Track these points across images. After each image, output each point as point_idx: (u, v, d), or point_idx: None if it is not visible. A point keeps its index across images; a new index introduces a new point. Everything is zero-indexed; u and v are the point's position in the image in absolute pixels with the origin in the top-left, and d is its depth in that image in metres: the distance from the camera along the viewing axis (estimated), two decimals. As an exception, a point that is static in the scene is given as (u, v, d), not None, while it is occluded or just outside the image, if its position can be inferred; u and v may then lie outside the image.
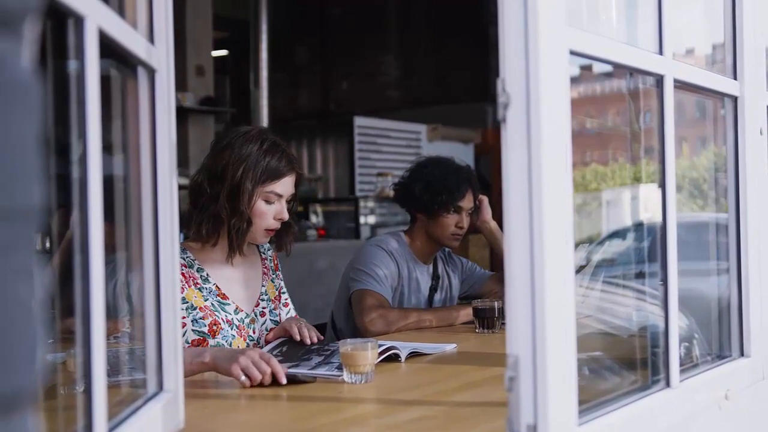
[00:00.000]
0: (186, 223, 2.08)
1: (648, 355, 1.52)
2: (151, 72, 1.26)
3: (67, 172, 0.93)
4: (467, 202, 2.79)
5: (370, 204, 6.94)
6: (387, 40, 9.09)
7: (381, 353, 1.93)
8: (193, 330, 2.03)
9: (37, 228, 0.57)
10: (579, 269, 1.65)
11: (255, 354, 1.77)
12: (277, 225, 2.13)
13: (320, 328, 2.87)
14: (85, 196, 0.92)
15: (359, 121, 7.33)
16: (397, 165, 6.72)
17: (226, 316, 2.09)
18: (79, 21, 0.91)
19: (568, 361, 1.10)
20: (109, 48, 1.04)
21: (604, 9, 1.67)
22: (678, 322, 1.42)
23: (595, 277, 1.88)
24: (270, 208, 2.10)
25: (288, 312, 2.31)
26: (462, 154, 6.37)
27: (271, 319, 2.21)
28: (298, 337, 2.04)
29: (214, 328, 2.06)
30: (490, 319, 2.50)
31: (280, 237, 2.21)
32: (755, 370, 1.70)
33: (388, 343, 2.05)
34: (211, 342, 2.05)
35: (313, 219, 6.81)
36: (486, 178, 6.72)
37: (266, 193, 2.08)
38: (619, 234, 2.28)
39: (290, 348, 2.04)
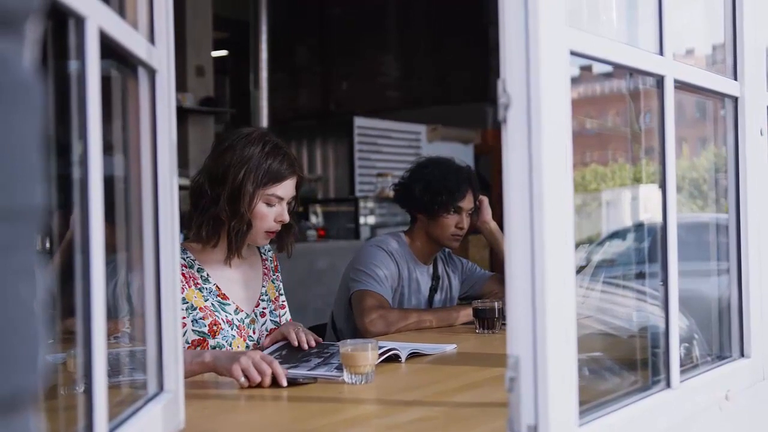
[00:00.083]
0: (186, 223, 2.08)
1: (648, 355, 1.52)
2: (152, 72, 1.26)
3: (68, 172, 0.93)
4: (467, 203, 2.79)
5: (370, 204, 6.95)
6: (387, 40, 9.10)
7: (381, 355, 1.93)
8: (193, 330, 2.03)
9: (39, 228, 0.57)
10: (579, 270, 1.65)
11: (256, 355, 1.77)
12: (277, 227, 2.13)
13: (320, 328, 2.87)
14: (85, 197, 0.92)
15: (359, 121, 7.33)
16: (397, 165, 6.72)
17: (226, 316, 2.09)
18: (80, 21, 0.91)
19: (568, 361, 1.10)
20: (110, 48, 1.04)
21: (605, 9, 1.67)
22: (678, 323, 1.42)
23: (596, 277, 1.88)
24: (271, 211, 2.10)
25: (284, 314, 2.30)
26: (462, 154, 6.37)
27: (271, 320, 2.21)
28: (295, 343, 2.04)
29: (214, 328, 2.06)
30: (491, 320, 2.50)
31: (281, 238, 2.21)
32: (755, 370, 1.70)
33: (389, 345, 2.05)
34: (211, 342, 2.05)
35: (313, 219, 6.81)
36: (486, 178, 6.72)
37: (267, 196, 2.08)
38: (619, 234, 2.28)
39: (289, 352, 2.04)
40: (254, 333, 2.16)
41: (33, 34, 0.58)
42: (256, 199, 2.07)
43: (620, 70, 1.50)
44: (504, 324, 2.44)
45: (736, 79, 1.70)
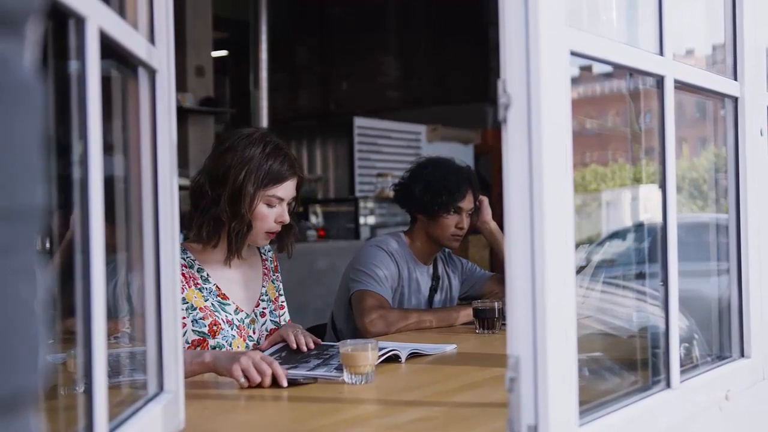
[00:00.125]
0: (186, 224, 2.08)
1: (648, 355, 1.52)
2: (152, 72, 1.26)
3: (68, 172, 0.93)
4: (467, 203, 2.79)
5: (370, 204, 6.94)
6: (387, 41, 9.10)
7: (380, 356, 1.93)
8: (193, 330, 2.03)
9: (39, 228, 0.57)
10: (579, 270, 1.65)
11: (256, 355, 1.77)
12: (277, 228, 2.13)
13: (320, 328, 2.87)
14: (85, 197, 0.92)
15: (359, 121, 7.33)
16: (397, 165, 6.72)
17: (226, 316, 2.09)
18: (80, 22, 0.91)
19: (568, 361, 1.11)
20: (110, 48, 1.04)
21: (605, 9, 1.67)
22: (678, 323, 1.42)
23: (596, 277, 1.88)
24: (271, 212, 2.10)
25: (283, 314, 2.30)
26: (462, 154, 6.37)
27: (271, 320, 2.21)
28: (294, 346, 2.04)
29: (214, 328, 2.06)
30: (491, 320, 2.50)
31: (282, 239, 2.21)
32: (755, 370, 1.70)
33: (389, 345, 2.05)
34: (211, 342, 2.05)
35: (313, 219, 6.81)
36: (486, 178, 6.72)
37: (268, 197, 2.08)
38: (619, 235, 2.28)
39: (288, 353, 2.04)
40: (254, 333, 2.16)
41: (33, 34, 0.58)
42: (257, 200, 2.07)
43: (620, 70, 1.50)
44: (504, 324, 2.44)
45: (736, 79, 1.70)
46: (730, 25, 1.70)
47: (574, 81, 1.14)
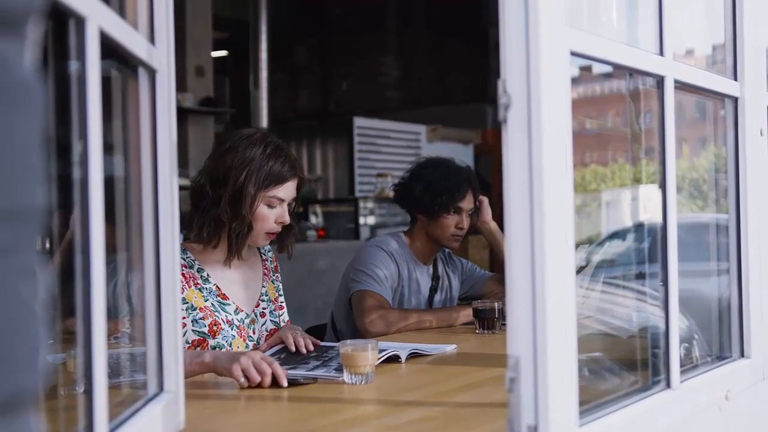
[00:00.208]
0: (187, 224, 2.08)
1: (648, 356, 1.52)
2: (152, 72, 1.26)
3: (68, 172, 0.93)
4: (467, 203, 2.79)
5: (370, 205, 6.94)
6: (387, 41, 9.10)
7: (380, 356, 1.93)
8: (193, 330, 2.03)
9: (39, 228, 0.57)
10: (579, 270, 1.65)
11: (256, 355, 1.77)
12: (278, 228, 2.13)
13: (320, 329, 2.88)
14: (85, 197, 0.92)
15: (359, 121, 7.33)
16: (397, 166, 6.72)
17: (226, 316, 2.09)
18: (81, 22, 0.91)
19: (568, 361, 1.11)
20: (110, 48, 1.04)
21: (605, 10, 1.67)
22: (678, 323, 1.42)
23: (595, 277, 1.88)
24: (272, 212, 2.10)
25: (282, 315, 2.30)
26: (462, 154, 6.37)
27: (271, 320, 2.21)
28: (293, 348, 2.05)
29: (214, 328, 2.06)
30: (491, 320, 2.50)
31: (282, 239, 2.21)
32: (755, 370, 1.70)
33: (388, 346, 2.05)
34: (211, 342, 2.05)
35: (313, 220, 6.81)
36: (486, 178, 6.72)
37: (268, 198, 2.08)
38: (619, 235, 2.28)
39: (288, 355, 2.04)
40: (254, 333, 2.16)
41: (33, 34, 0.58)
42: (258, 200, 2.07)
43: (620, 70, 1.50)
44: (504, 324, 2.44)
45: (736, 79, 1.70)
46: (730, 25, 1.70)
47: (574, 81, 1.14)
